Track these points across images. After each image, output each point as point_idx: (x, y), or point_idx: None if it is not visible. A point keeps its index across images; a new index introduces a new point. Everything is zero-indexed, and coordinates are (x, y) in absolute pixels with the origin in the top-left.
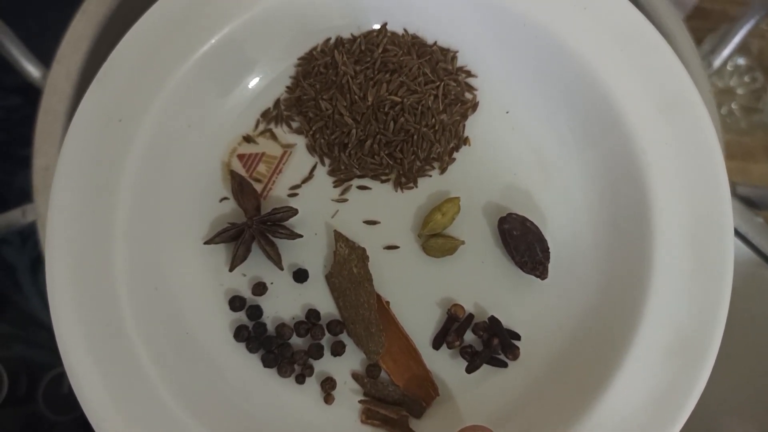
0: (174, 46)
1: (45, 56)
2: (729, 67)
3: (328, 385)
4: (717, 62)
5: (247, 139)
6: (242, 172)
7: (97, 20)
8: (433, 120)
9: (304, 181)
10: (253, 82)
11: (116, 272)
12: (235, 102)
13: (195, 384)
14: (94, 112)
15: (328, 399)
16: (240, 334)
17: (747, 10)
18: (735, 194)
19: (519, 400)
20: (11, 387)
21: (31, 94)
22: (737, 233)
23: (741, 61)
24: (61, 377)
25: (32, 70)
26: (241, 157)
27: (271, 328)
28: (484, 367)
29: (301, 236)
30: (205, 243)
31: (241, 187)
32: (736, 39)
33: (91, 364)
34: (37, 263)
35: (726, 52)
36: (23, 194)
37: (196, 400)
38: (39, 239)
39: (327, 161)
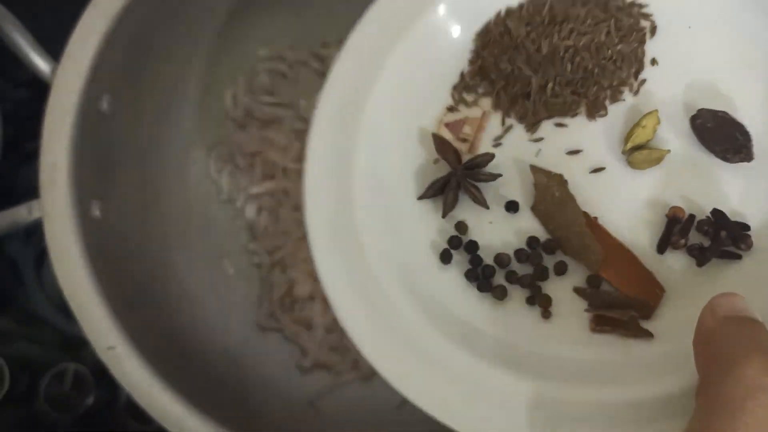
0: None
1: (56, 51)
2: None
3: (544, 302)
4: None
5: (450, 109)
6: (450, 136)
7: (109, 14)
8: (610, 52)
9: (503, 133)
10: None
11: (360, 227)
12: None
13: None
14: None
15: (545, 315)
16: (446, 256)
17: None
18: None
19: (759, 291)
20: (12, 384)
21: (40, 88)
22: None
23: None
24: (63, 375)
25: (41, 64)
26: (448, 125)
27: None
28: (717, 263)
29: (500, 175)
30: (419, 198)
31: (442, 145)
32: None
33: (353, 298)
34: (41, 259)
35: None
36: (29, 187)
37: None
38: (45, 234)
39: (514, 113)
